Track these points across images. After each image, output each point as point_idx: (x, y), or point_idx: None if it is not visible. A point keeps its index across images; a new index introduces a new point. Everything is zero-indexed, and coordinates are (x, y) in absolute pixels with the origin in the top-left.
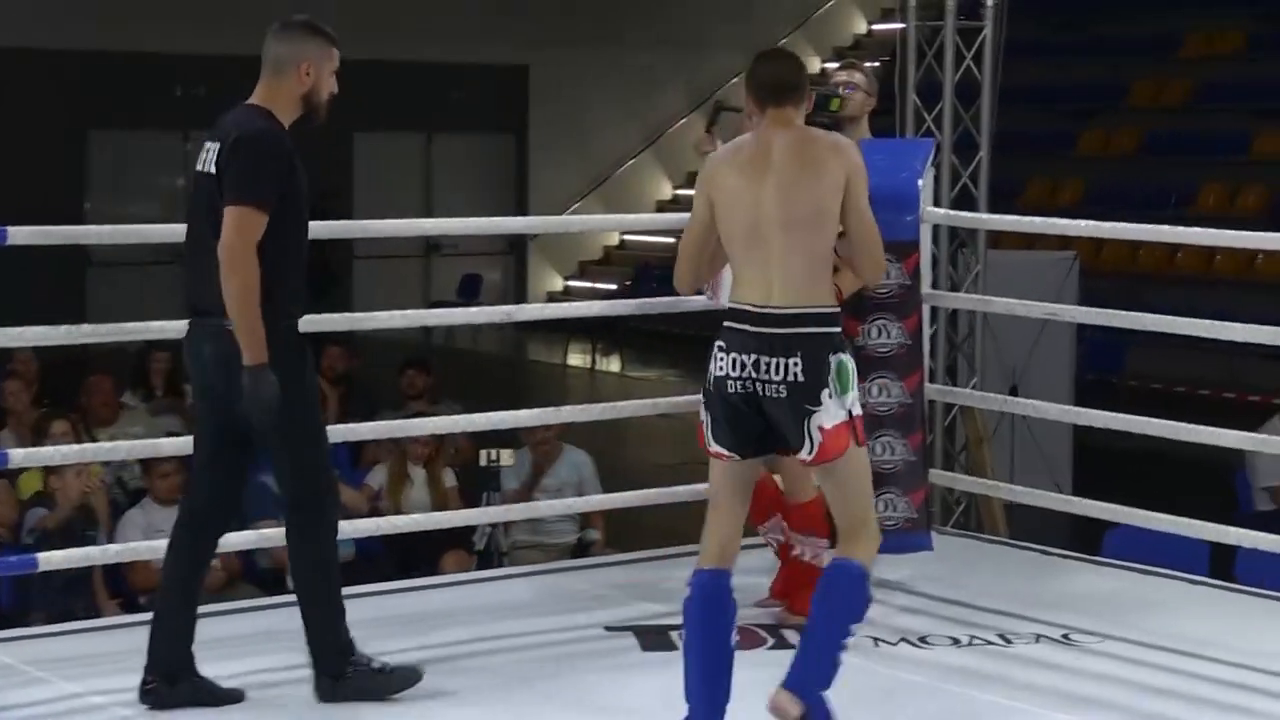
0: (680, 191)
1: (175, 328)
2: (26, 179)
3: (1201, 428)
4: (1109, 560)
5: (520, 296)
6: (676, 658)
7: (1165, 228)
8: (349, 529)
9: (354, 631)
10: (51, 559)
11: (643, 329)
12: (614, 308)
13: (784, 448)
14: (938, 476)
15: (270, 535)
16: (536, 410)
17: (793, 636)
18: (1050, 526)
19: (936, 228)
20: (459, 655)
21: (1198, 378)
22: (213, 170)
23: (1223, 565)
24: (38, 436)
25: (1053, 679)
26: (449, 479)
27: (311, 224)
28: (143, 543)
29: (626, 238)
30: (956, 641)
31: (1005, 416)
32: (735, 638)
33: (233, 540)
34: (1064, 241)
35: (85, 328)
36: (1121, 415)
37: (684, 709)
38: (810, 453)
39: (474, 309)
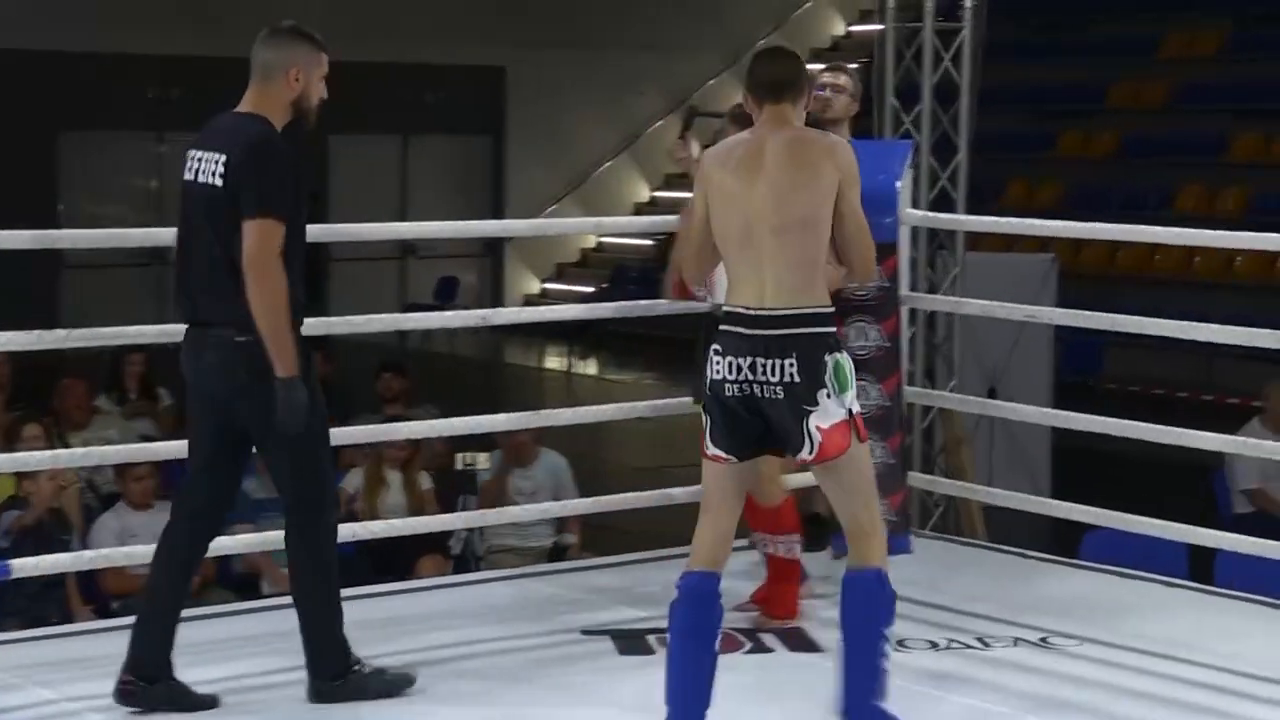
0: (658, 194)
1: (151, 332)
2: None
3: (1181, 430)
4: (1087, 563)
5: (497, 299)
6: (654, 661)
7: (1143, 227)
8: None
9: None
10: (24, 566)
11: (620, 332)
12: (591, 310)
13: (781, 449)
14: (916, 479)
15: (248, 540)
16: (513, 414)
17: (770, 641)
18: (1029, 529)
19: (915, 230)
20: (436, 660)
21: (1176, 380)
22: (218, 183)
23: (1202, 568)
24: (10, 440)
25: (1031, 682)
26: (425, 482)
27: None
28: (118, 549)
29: (604, 240)
30: (935, 645)
31: (984, 419)
32: (719, 643)
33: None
34: (1043, 244)
35: (60, 333)
36: (1101, 418)
37: (663, 712)
38: (811, 452)
39: (450, 312)
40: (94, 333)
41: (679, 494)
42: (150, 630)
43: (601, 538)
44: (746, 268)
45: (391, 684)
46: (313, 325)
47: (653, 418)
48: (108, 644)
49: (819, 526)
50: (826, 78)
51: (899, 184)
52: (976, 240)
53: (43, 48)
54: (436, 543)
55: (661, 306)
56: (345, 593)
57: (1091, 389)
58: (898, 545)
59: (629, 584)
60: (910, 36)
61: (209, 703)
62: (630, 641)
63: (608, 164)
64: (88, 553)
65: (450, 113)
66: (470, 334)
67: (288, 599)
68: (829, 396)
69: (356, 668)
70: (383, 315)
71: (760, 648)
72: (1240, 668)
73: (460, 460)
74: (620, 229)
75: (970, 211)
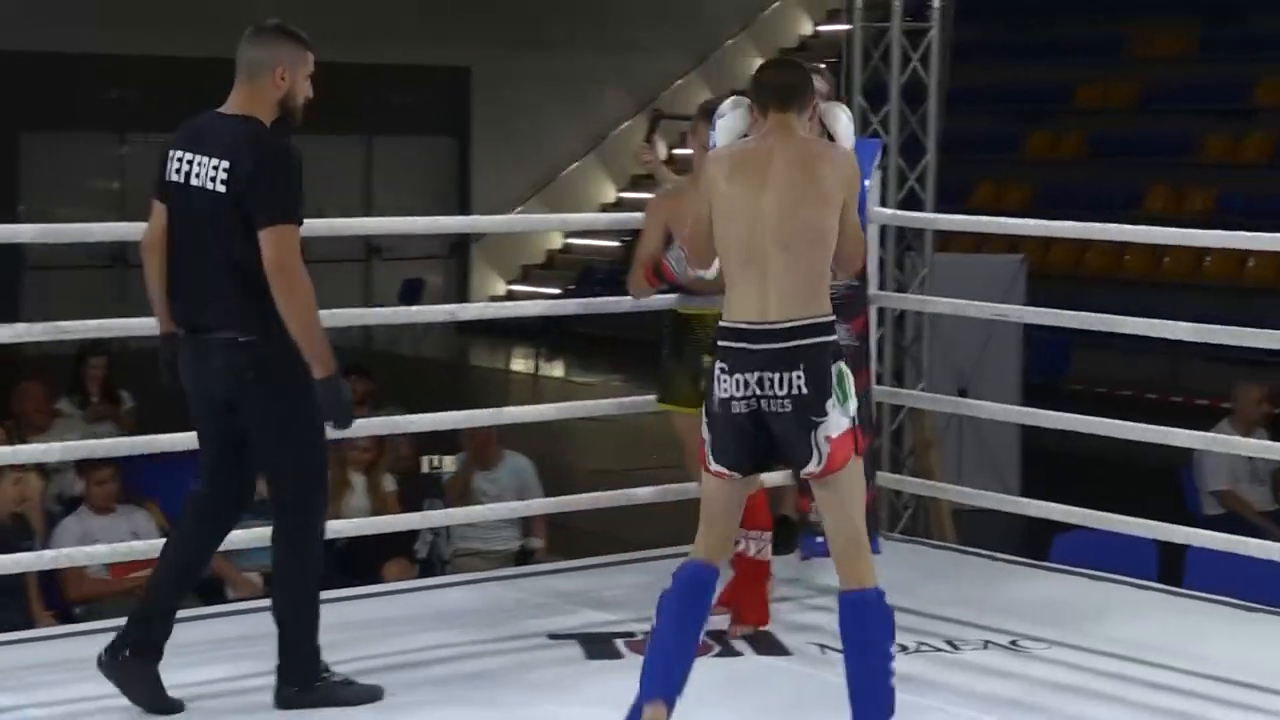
0: (624, 194)
1: (113, 327)
2: None
3: (1153, 427)
4: (1058, 566)
5: (462, 300)
6: (622, 666)
7: (1111, 226)
8: None
9: None
10: None
11: (586, 334)
12: (557, 307)
13: (786, 464)
14: (885, 479)
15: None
16: (474, 411)
17: (740, 645)
18: (999, 532)
19: (884, 229)
20: (402, 665)
21: (1144, 381)
22: (220, 189)
23: (1171, 571)
24: None
25: (1001, 685)
26: (389, 485)
27: None
28: (79, 548)
29: (570, 241)
30: (904, 648)
31: (953, 419)
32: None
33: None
34: (1012, 244)
35: (20, 326)
36: (1073, 415)
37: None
38: (819, 464)
39: (416, 308)
40: (56, 326)
41: (643, 494)
42: (155, 611)
43: (566, 541)
44: (749, 283)
45: (359, 696)
46: None
47: (617, 420)
48: (71, 649)
49: (788, 529)
50: None
51: (867, 183)
52: (945, 241)
53: (3, 48)
54: (402, 546)
55: (626, 303)
56: None
57: (1059, 390)
58: None
59: (594, 588)
60: (878, 36)
61: (174, 706)
62: (597, 646)
63: (574, 165)
64: (49, 553)
65: (415, 113)
66: (436, 336)
67: (250, 604)
68: (834, 406)
69: (325, 675)
70: (347, 310)
71: (729, 651)
72: (1209, 670)
73: (426, 463)
74: (587, 226)
75: (939, 213)
